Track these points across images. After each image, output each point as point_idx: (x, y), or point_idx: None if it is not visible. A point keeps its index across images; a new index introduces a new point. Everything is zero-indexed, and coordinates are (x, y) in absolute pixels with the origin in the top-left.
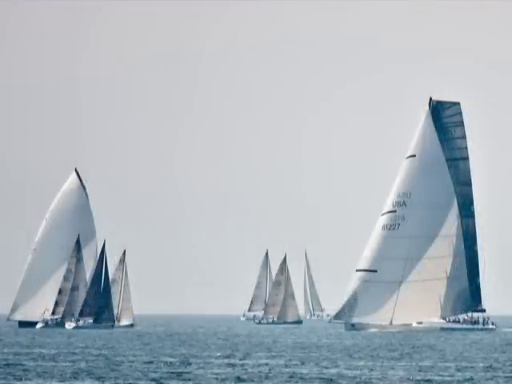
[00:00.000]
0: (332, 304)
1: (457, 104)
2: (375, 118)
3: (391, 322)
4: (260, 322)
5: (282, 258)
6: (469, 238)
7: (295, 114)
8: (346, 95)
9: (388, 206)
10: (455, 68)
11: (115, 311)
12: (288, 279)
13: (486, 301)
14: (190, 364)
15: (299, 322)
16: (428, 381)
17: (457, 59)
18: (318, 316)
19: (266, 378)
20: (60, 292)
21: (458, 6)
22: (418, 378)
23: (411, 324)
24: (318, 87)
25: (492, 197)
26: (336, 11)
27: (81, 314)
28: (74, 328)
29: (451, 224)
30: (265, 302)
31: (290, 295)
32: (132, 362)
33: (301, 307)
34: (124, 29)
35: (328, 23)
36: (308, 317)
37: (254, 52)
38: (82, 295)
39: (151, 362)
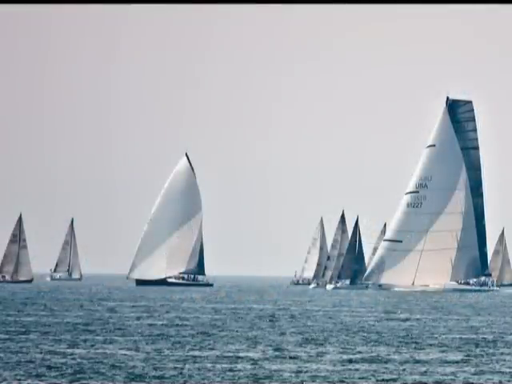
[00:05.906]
0: None
1: (469, 102)
2: (399, 114)
3: (413, 283)
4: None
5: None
6: (478, 214)
7: (312, 102)
8: (368, 90)
9: (412, 187)
10: (470, 70)
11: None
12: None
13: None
14: None
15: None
16: None
17: (470, 61)
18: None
19: None
20: (328, 258)
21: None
22: None
23: (429, 285)
24: (339, 79)
25: (498, 180)
26: (351, 9)
27: (339, 277)
28: (334, 289)
29: (464, 203)
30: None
31: None
32: None
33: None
34: None
35: (346, 21)
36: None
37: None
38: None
39: None
